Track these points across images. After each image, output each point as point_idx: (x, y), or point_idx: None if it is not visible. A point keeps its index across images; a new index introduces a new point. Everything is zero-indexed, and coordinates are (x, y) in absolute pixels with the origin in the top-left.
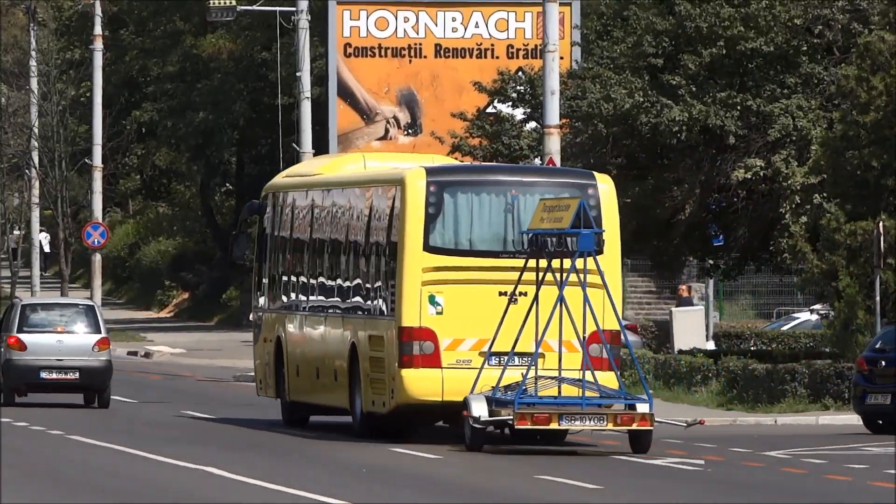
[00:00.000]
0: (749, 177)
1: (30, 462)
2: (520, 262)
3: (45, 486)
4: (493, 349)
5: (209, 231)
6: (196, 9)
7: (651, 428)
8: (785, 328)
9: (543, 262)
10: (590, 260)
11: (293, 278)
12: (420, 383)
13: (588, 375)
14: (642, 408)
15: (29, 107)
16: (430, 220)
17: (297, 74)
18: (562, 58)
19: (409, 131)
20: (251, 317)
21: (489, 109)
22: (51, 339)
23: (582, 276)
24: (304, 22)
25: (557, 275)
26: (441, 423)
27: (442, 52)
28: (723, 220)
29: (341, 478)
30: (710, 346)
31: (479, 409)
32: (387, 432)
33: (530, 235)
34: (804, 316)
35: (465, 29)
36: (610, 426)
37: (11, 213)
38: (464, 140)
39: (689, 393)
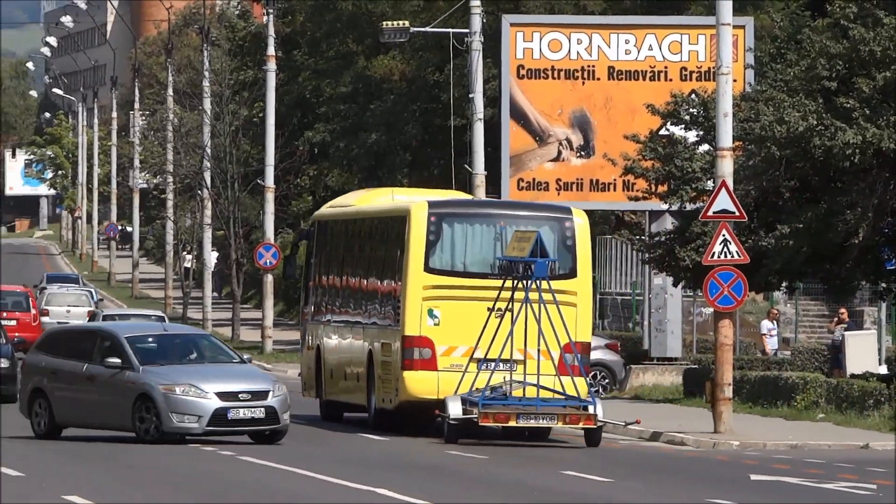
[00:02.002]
0: None
1: (198, 483)
2: (510, 283)
3: None
4: (475, 356)
5: None
6: (369, 30)
7: (595, 426)
8: None
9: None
10: (558, 283)
11: (329, 294)
12: (419, 384)
13: (562, 380)
14: (589, 410)
15: (202, 127)
16: (430, 246)
17: (470, 96)
18: (735, 80)
19: (582, 153)
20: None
21: (662, 132)
22: None
23: (552, 297)
24: (477, 43)
25: (531, 294)
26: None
27: (615, 74)
28: None
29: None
30: (883, 370)
31: (454, 408)
32: (394, 425)
33: (504, 261)
34: None
35: (639, 51)
36: (560, 424)
37: (184, 233)
38: (636, 162)
39: (862, 417)
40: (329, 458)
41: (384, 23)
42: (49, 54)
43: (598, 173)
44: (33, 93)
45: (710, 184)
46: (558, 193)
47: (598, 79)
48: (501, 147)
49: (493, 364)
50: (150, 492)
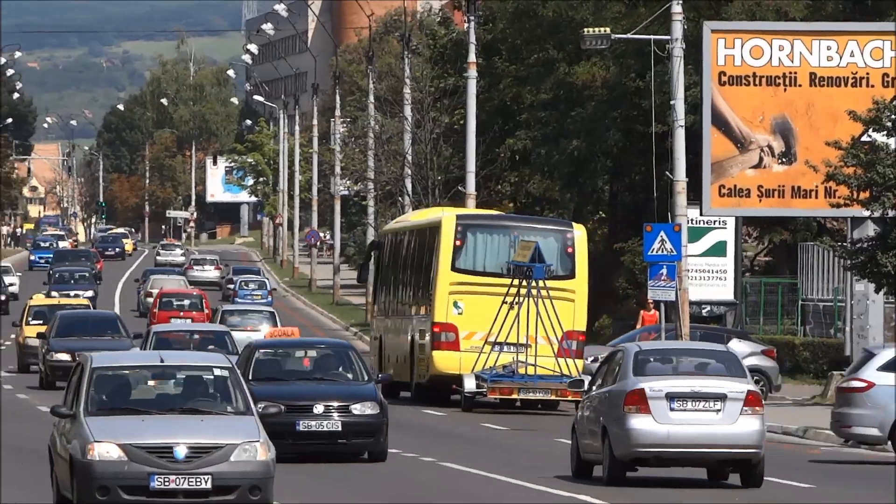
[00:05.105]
0: None
1: (410, 490)
2: (517, 282)
3: None
4: (489, 340)
5: None
6: (570, 36)
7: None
8: None
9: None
10: (560, 282)
11: (389, 293)
12: (445, 361)
13: (561, 361)
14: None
15: (403, 134)
16: (456, 250)
17: (672, 102)
18: None
19: (783, 160)
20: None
21: (864, 138)
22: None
23: (546, 294)
24: (678, 50)
25: (533, 291)
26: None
27: (817, 80)
28: None
29: None
30: None
31: (469, 383)
32: (427, 397)
33: (511, 265)
34: None
35: (840, 58)
36: (553, 397)
37: None
38: (838, 169)
39: None
40: (517, 462)
41: (585, 29)
42: (250, 62)
43: (799, 180)
44: (234, 100)
45: None
46: (760, 200)
47: (800, 85)
48: (703, 154)
49: (504, 347)
50: (357, 498)
